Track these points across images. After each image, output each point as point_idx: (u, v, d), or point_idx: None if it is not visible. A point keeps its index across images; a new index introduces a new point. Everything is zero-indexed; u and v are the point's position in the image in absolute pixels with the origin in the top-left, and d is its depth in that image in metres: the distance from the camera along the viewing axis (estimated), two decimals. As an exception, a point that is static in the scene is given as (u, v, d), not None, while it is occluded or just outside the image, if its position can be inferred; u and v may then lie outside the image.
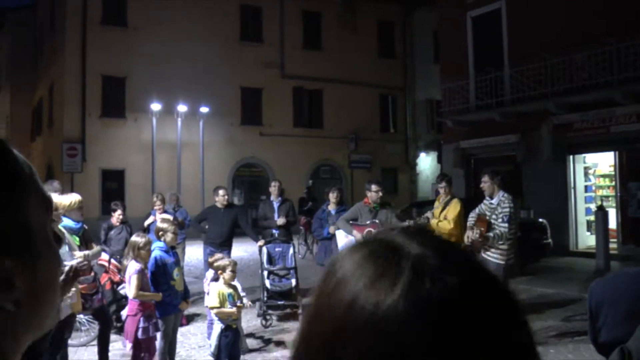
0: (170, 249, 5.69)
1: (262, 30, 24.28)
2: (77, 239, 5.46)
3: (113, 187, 20.52)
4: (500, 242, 6.59)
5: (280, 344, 7.04)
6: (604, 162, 15.64)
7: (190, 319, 7.96)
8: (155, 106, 20.01)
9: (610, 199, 15.18)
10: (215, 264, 5.72)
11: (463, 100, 17.38)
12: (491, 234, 6.54)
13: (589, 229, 15.48)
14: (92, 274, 5.78)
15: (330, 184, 21.65)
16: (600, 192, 15.83)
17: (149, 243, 5.38)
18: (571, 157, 15.56)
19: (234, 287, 5.60)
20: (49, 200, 0.65)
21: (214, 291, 5.43)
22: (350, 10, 25.86)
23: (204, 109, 21.05)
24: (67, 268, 3.18)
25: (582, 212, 15.69)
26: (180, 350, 6.47)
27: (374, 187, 7.57)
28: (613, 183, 15.02)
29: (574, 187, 15.62)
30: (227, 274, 5.53)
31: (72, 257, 4.93)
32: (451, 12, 18.56)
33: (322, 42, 25.44)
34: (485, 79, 16.63)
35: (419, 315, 0.47)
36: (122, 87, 21.23)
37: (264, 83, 23.81)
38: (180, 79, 21.34)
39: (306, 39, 25.14)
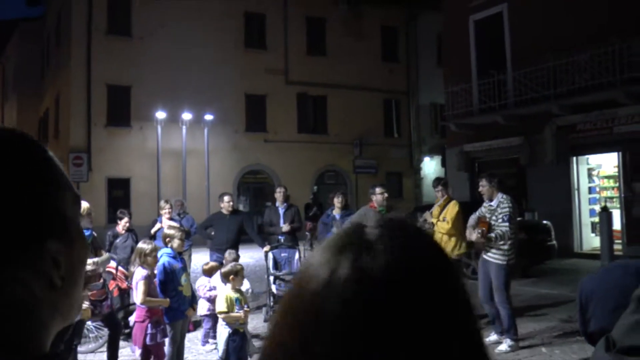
0: (177, 255, 5.77)
1: (265, 37, 24.43)
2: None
3: (119, 195, 20.66)
4: (502, 242, 6.68)
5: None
6: (607, 163, 15.66)
7: (197, 324, 8.03)
8: (160, 114, 20.16)
9: (614, 200, 15.19)
10: (224, 270, 5.80)
11: (466, 103, 17.45)
12: (493, 235, 6.64)
13: (593, 230, 15.49)
14: (101, 280, 5.88)
15: (335, 189, 21.78)
16: (604, 194, 15.85)
17: (155, 250, 5.47)
18: (575, 158, 15.59)
19: (241, 292, 5.68)
20: (78, 197, 0.77)
21: (221, 296, 5.51)
22: (354, 16, 25.99)
23: (209, 117, 21.18)
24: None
25: (586, 213, 15.71)
26: (188, 355, 6.54)
27: (378, 189, 7.68)
28: (617, 184, 15.03)
29: (578, 189, 15.65)
30: (237, 279, 5.62)
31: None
32: (454, 16, 18.66)
33: (326, 48, 25.56)
34: (488, 82, 16.69)
35: (360, 282, 0.59)
36: (127, 96, 21.40)
37: (268, 89, 23.94)
38: (184, 87, 21.49)
39: (310, 45, 25.26)
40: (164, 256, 5.62)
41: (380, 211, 7.62)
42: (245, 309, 5.55)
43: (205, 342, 7.21)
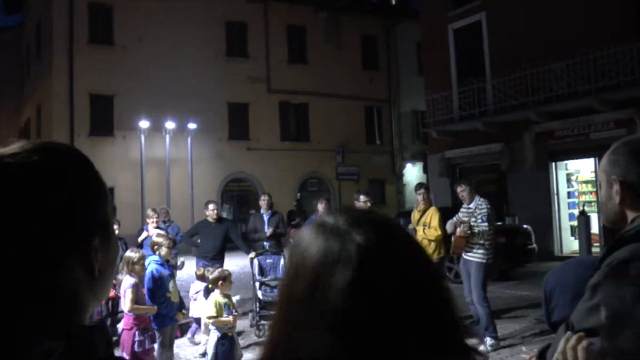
0: (165, 262, 5.88)
1: (247, 46, 24.57)
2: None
3: (103, 205, 20.59)
4: (482, 241, 6.94)
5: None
6: (585, 168, 16.00)
7: (184, 330, 8.11)
8: (144, 123, 20.16)
9: (592, 204, 15.51)
10: (212, 277, 5.92)
11: (447, 110, 17.74)
12: (475, 230, 6.92)
13: (572, 233, 15.80)
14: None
15: (319, 196, 21.88)
16: (582, 198, 16.17)
17: (142, 258, 5.57)
18: (554, 164, 15.92)
19: (229, 297, 5.80)
20: (115, 207, 0.96)
21: (210, 301, 5.63)
22: (335, 25, 26.25)
23: (192, 125, 21.22)
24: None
25: (565, 217, 16.03)
26: (176, 361, 6.63)
27: (362, 197, 7.88)
28: (595, 189, 15.35)
29: (557, 194, 15.97)
30: (225, 284, 5.75)
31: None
32: (433, 25, 18.97)
33: (307, 56, 25.78)
34: (468, 90, 17.00)
35: (345, 262, 0.75)
36: (110, 106, 21.38)
37: (251, 98, 24.06)
38: (167, 96, 21.52)
39: (291, 53, 25.46)
40: (152, 264, 5.72)
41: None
42: (234, 313, 5.67)
43: (192, 340, 7.65)
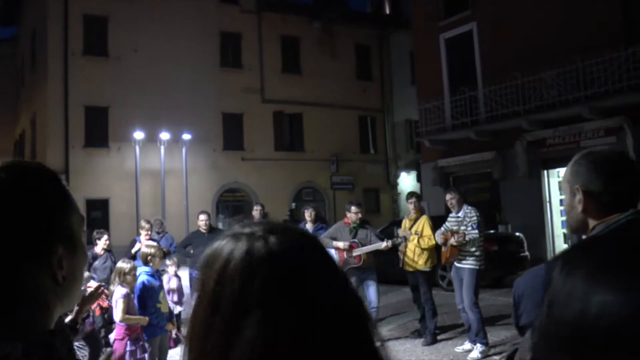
0: (155, 273, 5.94)
1: (241, 56, 24.71)
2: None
3: (98, 216, 20.61)
4: (473, 249, 7.03)
5: None
6: (577, 176, 16.10)
7: (177, 341, 8.14)
8: (138, 135, 20.22)
9: (584, 211, 15.61)
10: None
11: (439, 120, 17.87)
12: (467, 238, 7.01)
13: (565, 241, 15.89)
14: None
15: (311, 205, 21.92)
16: (575, 205, 16.25)
17: (134, 268, 5.64)
18: (545, 172, 16.05)
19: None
20: (83, 219, 1.05)
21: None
22: (328, 35, 26.43)
23: (187, 136, 21.28)
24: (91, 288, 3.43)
25: (558, 225, 16.13)
26: (169, 371, 6.66)
27: (353, 208, 7.98)
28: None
29: (550, 201, 16.08)
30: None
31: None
32: (425, 35, 19.13)
33: (300, 67, 25.93)
34: (460, 99, 17.14)
35: (252, 257, 0.81)
36: (104, 117, 21.44)
37: (245, 108, 24.17)
38: (162, 107, 21.62)
39: (285, 63, 25.61)
40: (142, 274, 5.78)
41: (354, 227, 7.92)
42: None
43: None
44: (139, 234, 9.55)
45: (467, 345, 7.24)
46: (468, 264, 7.14)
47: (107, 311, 7.43)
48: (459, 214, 7.38)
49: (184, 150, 21.23)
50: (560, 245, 16.02)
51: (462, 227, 7.17)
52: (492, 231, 13.20)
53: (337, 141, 25.68)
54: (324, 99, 25.54)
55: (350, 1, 27.56)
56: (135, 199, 20.28)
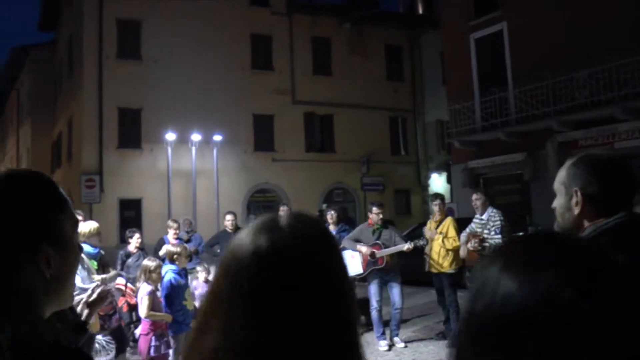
0: (181, 271, 6.09)
1: (272, 58, 24.87)
2: (95, 263, 5.88)
3: (131, 216, 21.02)
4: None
5: None
6: (611, 177, 15.80)
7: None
8: (170, 136, 20.54)
9: (618, 213, 15.32)
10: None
11: (469, 121, 17.73)
12: (487, 244, 6.93)
13: (596, 243, 15.59)
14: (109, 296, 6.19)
15: (345, 206, 21.97)
16: (608, 207, 15.95)
17: (159, 266, 5.79)
18: (577, 173, 15.75)
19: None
20: (77, 221, 1.16)
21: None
22: (359, 36, 26.44)
23: (218, 137, 21.52)
24: (89, 292, 3.57)
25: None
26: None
27: (374, 209, 8.01)
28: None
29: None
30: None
31: (91, 280, 5.34)
32: (455, 35, 19.02)
33: (331, 68, 25.98)
34: (490, 100, 16.99)
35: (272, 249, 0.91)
36: (137, 119, 21.85)
37: (276, 110, 24.33)
38: (193, 109, 21.93)
39: (316, 65, 25.69)
40: (169, 272, 5.93)
41: (377, 228, 7.96)
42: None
43: None
44: (167, 233, 9.75)
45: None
46: None
47: (135, 308, 7.62)
48: (483, 217, 7.33)
49: (215, 151, 21.48)
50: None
51: (485, 231, 7.12)
52: (520, 233, 13.03)
53: (367, 142, 25.66)
54: (354, 100, 25.55)
55: (381, 2, 27.63)
56: (167, 199, 20.62)
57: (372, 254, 7.79)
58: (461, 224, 8.04)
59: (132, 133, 21.68)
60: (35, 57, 29.16)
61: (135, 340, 6.94)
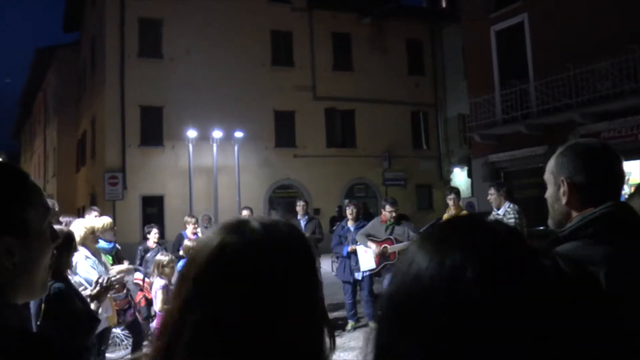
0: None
1: (292, 54, 24.93)
2: (110, 258, 5.98)
3: (153, 212, 21.28)
4: None
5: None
6: (636, 170, 15.51)
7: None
8: (192, 133, 20.72)
9: (642, 206, 15.03)
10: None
11: (490, 114, 17.56)
12: None
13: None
14: (124, 291, 6.29)
15: (365, 202, 21.93)
16: (633, 200, 15.66)
17: (172, 261, 5.87)
18: (601, 166, 15.50)
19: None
20: (47, 209, 1.16)
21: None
22: (379, 30, 26.34)
23: (239, 134, 21.62)
24: (100, 280, 3.66)
25: (616, 221, 15.56)
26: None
27: (387, 207, 8.02)
28: (646, 190, 14.86)
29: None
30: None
31: (107, 274, 5.43)
32: (475, 27, 18.82)
33: (352, 63, 25.94)
34: (510, 92, 16.80)
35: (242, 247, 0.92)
36: (159, 117, 22.10)
37: (297, 106, 24.38)
38: (214, 106, 22.09)
39: (336, 60, 25.68)
40: (183, 267, 6.00)
41: (390, 224, 7.97)
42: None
43: None
44: (185, 229, 9.86)
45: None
46: None
47: (152, 302, 7.74)
48: (500, 212, 7.26)
49: (236, 147, 21.59)
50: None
51: (500, 227, 7.08)
52: (541, 228, 12.89)
53: (389, 137, 25.58)
54: (375, 95, 25.48)
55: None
56: (189, 196, 20.82)
57: (384, 249, 7.81)
58: (483, 220, 7.98)
59: (154, 131, 21.93)
60: (61, 57, 29.62)
61: (150, 334, 7.05)
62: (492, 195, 7.33)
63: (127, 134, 21.65)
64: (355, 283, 8.44)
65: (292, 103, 24.25)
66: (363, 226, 8.55)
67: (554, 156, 2.02)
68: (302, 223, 9.51)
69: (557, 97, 15.38)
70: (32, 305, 3.14)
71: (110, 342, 6.44)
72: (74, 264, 3.88)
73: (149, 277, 8.00)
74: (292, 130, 24.45)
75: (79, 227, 4.43)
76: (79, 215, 12.24)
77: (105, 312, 5.38)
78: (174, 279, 5.92)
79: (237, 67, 22.95)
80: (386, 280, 7.83)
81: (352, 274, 8.36)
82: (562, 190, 1.95)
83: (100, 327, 5.50)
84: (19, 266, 1.06)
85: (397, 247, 7.80)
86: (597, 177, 1.89)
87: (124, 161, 21.45)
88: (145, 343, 6.85)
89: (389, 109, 25.76)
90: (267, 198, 23.62)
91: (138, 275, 7.78)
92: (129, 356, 6.98)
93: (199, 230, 9.66)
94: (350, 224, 8.82)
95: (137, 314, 6.53)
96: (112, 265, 5.89)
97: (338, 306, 9.69)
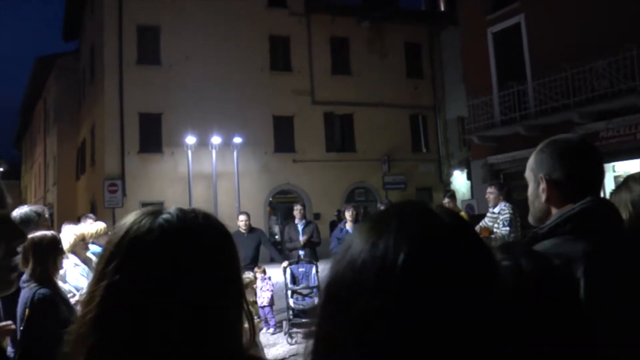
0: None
1: (291, 59, 24.97)
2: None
3: (153, 219, 21.25)
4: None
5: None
6: (635, 169, 15.48)
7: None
8: (190, 139, 20.74)
9: (642, 205, 14.98)
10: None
11: (488, 116, 17.55)
12: (494, 235, 6.90)
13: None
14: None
15: (366, 206, 22.02)
16: (633, 200, 15.61)
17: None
18: (600, 166, 15.47)
19: (253, 303, 6.00)
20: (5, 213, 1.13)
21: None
22: (377, 34, 26.38)
23: (238, 139, 21.65)
24: (82, 290, 3.64)
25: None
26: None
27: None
28: (645, 190, 14.81)
29: (605, 196, 15.47)
30: (248, 290, 5.95)
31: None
32: (472, 29, 18.84)
33: (350, 67, 25.97)
34: (508, 94, 16.79)
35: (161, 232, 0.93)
36: (158, 123, 22.13)
37: (295, 110, 24.40)
38: (213, 112, 22.11)
39: (334, 64, 25.70)
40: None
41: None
42: (256, 319, 5.86)
43: None
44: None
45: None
46: None
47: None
48: (495, 210, 7.28)
49: (235, 153, 21.61)
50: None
51: (496, 224, 7.07)
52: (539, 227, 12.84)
53: (388, 141, 25.58)
54: (374, 99, 25.50)
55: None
56: (189, 202, 20.78)
57: None
58: (479, 221, 7.93)
59: (153, 137, 21.96)
60: (61, 65, 29.73)
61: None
62: (491, 193, 7.35)
63: (127, 141, 21.68)
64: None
65: (290, 108, 24.28)
66: (361, 228, 8.53)
67: (533, 153, 2.00)
68: (300, 227, 9.52)
69: (555, 98, 15.37)
70: (18, 309, 3.13)
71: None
72: (63, 272, 3.86)
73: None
74: (291, 135, 24.46)
75: (68, 233, 4.40)
76: (78, 223, 12.21)
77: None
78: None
79: (236, 73, 22.98)
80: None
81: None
82: (541, 187, 1.93)
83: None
84: None
85: None
86: (575, 173, 1.87)
87: (124, 168, 21.48)
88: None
89: (388, 113, 25.77)
90: (267, 203, 23.62)
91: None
92: None
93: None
94: (349, 226, 8.82)
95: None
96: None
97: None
